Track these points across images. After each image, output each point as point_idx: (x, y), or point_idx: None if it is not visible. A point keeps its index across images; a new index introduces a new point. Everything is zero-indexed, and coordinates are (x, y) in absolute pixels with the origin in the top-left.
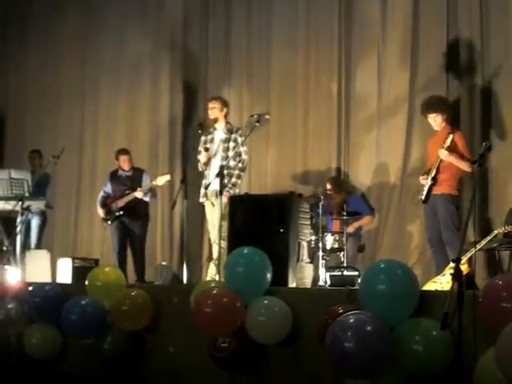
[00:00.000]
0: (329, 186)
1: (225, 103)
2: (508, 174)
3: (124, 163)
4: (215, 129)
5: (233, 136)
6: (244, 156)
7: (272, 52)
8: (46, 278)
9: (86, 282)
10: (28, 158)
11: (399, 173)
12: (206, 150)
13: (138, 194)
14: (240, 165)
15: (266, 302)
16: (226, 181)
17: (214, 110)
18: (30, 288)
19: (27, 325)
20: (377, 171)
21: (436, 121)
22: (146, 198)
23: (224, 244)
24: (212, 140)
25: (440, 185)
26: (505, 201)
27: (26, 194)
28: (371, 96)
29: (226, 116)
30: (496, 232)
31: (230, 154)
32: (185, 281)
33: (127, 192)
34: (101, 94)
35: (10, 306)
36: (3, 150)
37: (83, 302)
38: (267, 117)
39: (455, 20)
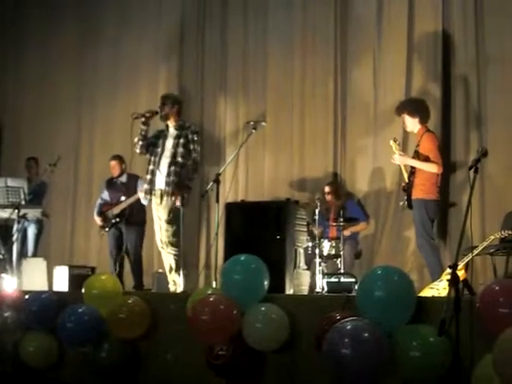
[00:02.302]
0: (327, 189)
1: (175, 100)
2: (504, 179)
3: (113, 169)
4: (168, 126)
5: (184, 132)
6: (194, 154)
7: (268, 59)
8: (42, 286)
9: (83, 290)
10: (24, 165)
11: (396, 178)
12: (156, 112)
13: (141, 195)
14: (190, 162)
15: (263, 308)
16: (175, 179)
17: (164, 107)
18: (27, 296)
19: (23, 333)
20: (374, 177)
21: (405, 123)
22: (146, 202)
23: (172, 250)
24: (165, 136)
25: (414, 189)
26: (501, 206)
27: (23, 202)
28: (367, 101)
29: (178, 113)
30: (493, 237)
31: (180, 150)
32: (181, 288)
33: (122, 199)
34: (97, 101)
35: (6, 315)
36: (0, 157)
37: (80, 310)
38: (263, 124)
39: (450, 25)
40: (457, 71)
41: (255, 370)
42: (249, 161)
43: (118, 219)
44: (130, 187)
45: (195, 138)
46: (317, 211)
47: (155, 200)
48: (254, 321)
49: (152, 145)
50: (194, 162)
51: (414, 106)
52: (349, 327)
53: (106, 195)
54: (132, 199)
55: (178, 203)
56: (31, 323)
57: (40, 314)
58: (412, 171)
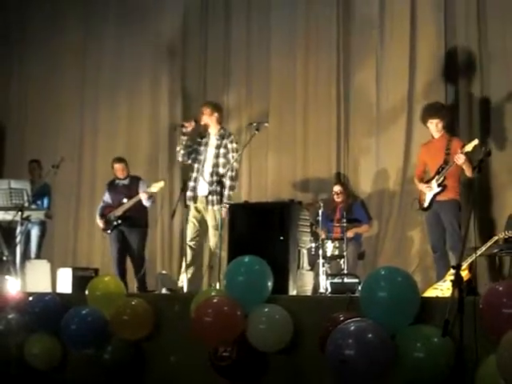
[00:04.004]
0: (337, 189)
1: (215, 108)
2: (508, 179)
3: (119, 172)
4: (209, 134)
5: (224, 142)
6: (234, 163)
7: (271, 60)
8: (46, 287)
9: (86, 292)
10: (28, 168)
11: (399, 179)
12: (196, 121)
13: (142, 196)
14: (229, 173)
15: (266, 309)
16: (218, 189)
17: (204, 116)
18: (30, 298)
19: (27, 335)
20: (377, 178)
21: (438, 126)
22: (148, 203)
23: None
24: (206, 144)
25: (447, 191)
26: (505, 206)
27: (26, 204)
28: (370, 102)
29: (218, 121)
30: (496, 237)
31: (221, 160)
32: (185, 289)
33: (124, 201)
34: (100, 103)
35: (10, 317)
36: (3, 160)
37: (83, 312)
38: (266, 124)
39: (453, 26)
40: (459, 71)
41: (259, 372)
42: (252, 162)
43: (119, 221)
44: (132, 189)
45: (234, 146)
46: (320, 212)
47: (199, 205)
48: (258, 322)
49: (195, 152)
50: (232, 170)
51: (447, 110)
52: (352, 328)
53: (107, 198)
54: (133, 200)
55: (223, 215)
56: (35, 325)
57: (44, 316)
58: (438, 171)
